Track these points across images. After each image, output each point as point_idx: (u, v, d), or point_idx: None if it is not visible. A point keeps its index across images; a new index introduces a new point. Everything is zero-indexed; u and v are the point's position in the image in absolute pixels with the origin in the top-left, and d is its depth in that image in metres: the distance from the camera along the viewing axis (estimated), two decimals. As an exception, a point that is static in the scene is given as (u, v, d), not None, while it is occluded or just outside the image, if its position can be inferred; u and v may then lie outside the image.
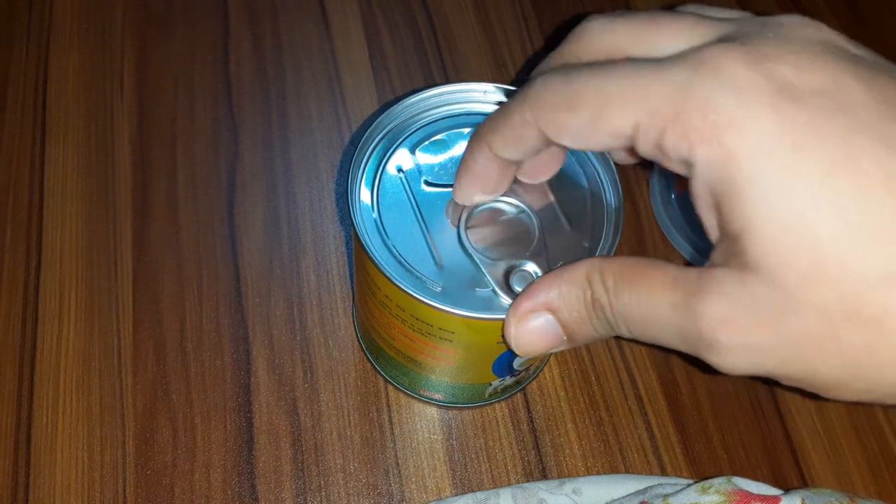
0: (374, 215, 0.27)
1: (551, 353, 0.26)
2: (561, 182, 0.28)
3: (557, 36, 0.47)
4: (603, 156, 0.28)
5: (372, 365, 0.36)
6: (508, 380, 0.32)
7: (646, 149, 0.20)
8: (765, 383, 0.36)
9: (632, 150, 0.21)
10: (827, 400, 0.23)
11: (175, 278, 0.38)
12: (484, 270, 0.26)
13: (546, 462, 0.34)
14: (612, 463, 0.34)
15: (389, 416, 0.35)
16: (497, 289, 0.25)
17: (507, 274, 0.26)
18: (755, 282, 0.19)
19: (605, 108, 0.20)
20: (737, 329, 0.19)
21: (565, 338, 0.23)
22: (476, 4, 0.48)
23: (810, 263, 0.18)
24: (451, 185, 0.27)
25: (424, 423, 0.35)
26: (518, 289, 0.25)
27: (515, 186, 0.27)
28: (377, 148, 0.28)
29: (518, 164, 0.26)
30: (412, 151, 0.28)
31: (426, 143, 0.29)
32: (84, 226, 0.39)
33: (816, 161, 0.18)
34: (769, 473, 0.34)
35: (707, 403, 0.36)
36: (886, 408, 0.36)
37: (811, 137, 0.18)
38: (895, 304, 0.17)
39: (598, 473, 0.34)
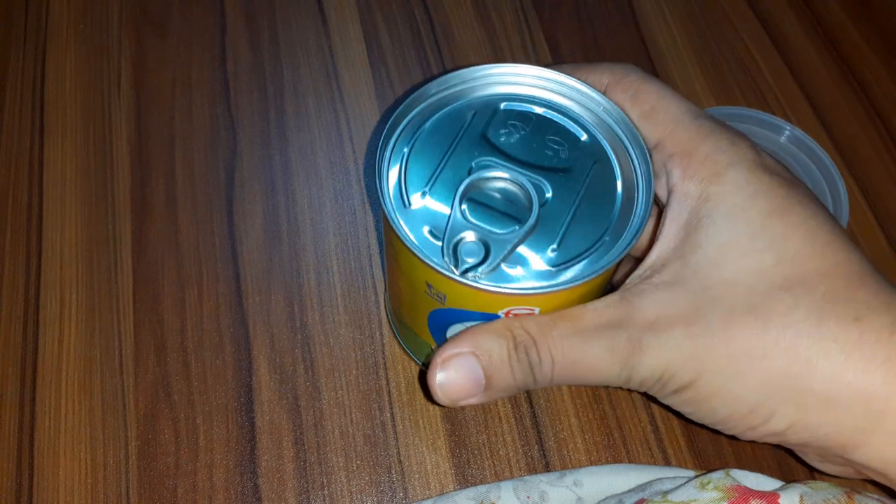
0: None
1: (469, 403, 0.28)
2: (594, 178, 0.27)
3: (556, 31, 0.47)
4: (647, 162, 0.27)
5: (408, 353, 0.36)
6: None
7: (657, 158, 0.27)
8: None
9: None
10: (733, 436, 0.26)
11: (175, 278, 0.37)
12: (449, 227, 0.26)
13: (549, 457, 0.34)
14: (616, 457, 0.34)
15: (391, 414, 0.35)
16: (445, 250, 0.25)
17: (458, 243, 0.26)
18: (682, 293, 0.25)
19: (655, 111, 0.27)
20: (658, 329, 0.24)
21: (483, 383, 0.26)
22: (474, -3, 0.48)
23: (732, 275, 0.24)
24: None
25: (426, 419, 0.34)
26: (467, 259, 0.25)
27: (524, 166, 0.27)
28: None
29: None
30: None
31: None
32: (83, 227, 0.39)
33: (762, 208, 0.25)
34: (774, 465, 0.34)
35: (711, 396, 0.36)
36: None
37: (765, 191, 0.25)
38: (778, 307, 0.23)
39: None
